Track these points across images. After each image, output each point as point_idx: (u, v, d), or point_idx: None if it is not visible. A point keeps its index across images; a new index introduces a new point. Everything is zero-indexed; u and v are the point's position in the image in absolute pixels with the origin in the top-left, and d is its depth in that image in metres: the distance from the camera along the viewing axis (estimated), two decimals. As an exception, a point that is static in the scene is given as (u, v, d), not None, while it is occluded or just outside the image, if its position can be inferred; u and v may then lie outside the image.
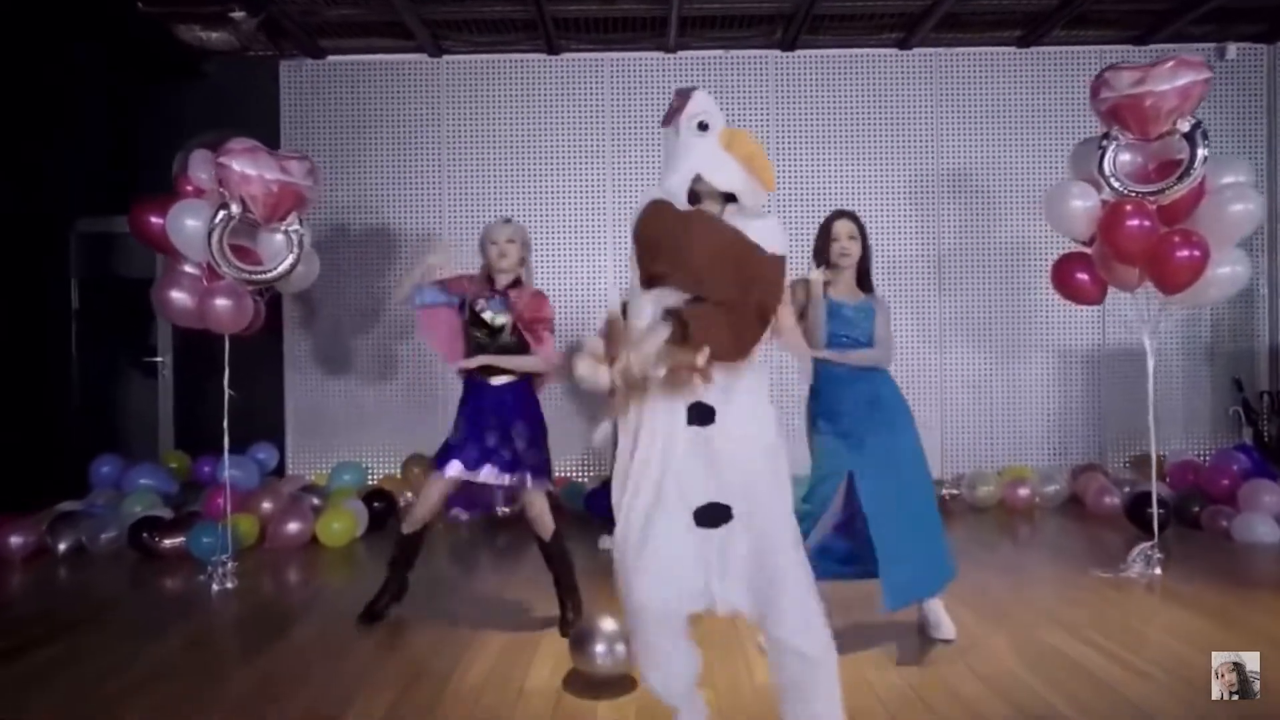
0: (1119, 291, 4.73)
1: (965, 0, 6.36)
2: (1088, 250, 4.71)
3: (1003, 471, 6.86)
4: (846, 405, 3.68)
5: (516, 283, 4.09)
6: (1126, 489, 6.28)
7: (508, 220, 4.16)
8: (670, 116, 2.47)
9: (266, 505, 5.82)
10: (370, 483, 6.86)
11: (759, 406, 2.43)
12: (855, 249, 3.79)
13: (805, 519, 3.52)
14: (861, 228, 3.82)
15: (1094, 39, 7.07)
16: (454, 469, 3.99)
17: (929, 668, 3.49)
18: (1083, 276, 4.74)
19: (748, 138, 2.46)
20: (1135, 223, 4.27)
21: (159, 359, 7.35)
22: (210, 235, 4.54)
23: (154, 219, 4.70)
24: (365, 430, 7.17)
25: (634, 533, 2.35)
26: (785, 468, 2.43)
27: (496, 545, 5.88)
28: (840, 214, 3.85)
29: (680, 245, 2.28)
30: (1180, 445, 7.09)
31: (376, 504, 6.27)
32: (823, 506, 3.63)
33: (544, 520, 4.06)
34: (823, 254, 3.82)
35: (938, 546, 3.71)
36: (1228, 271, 4.40)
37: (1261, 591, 4.48)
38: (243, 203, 4.53)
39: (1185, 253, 4.28)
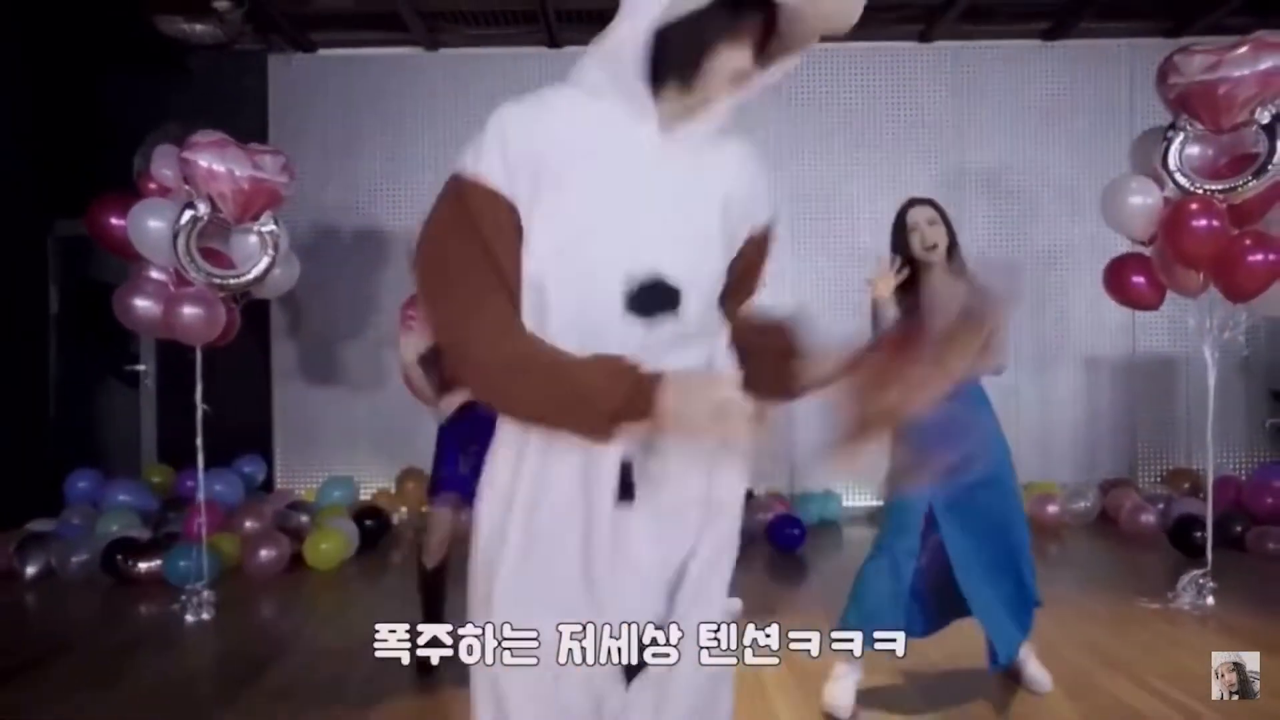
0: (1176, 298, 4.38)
1: (991, -11, 6.03)
2: (1146, 251, 4.36)
3: (1029, 487, 6.49)
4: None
5: None
6: (1160, 506, 5.94)
7: None
8: None
9: (249, 524, 5.46)
10: (363, 498, 6.51)
11: None
12: (940, 236, 3.27)
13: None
14: (942, 211, 3.35)
15: (1124, 31, 6.74)
16: (450, 500, 3.63)
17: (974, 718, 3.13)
18: (1139, 280, 4.38)
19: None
20: (1203, 223, 3.91)
21: (141, 367, 6.98)
22: (176, 237, 4.18)
23: (114, 220, 4.34)
24: (358, 442, 6.82)
25: None
26: None
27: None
28: (914, 201, 3.38)
29: None
30: (1215, 461, 6.72)
31: (369, 522, 5.91)
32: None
33: None
34: (904, 250, 3.31)
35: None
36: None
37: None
38: (211, 201, 4.18)
39: (1259, 256, 3.91)
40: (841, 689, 3.12)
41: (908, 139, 6.81)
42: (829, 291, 6.56)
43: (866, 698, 3.22)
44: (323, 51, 6.89)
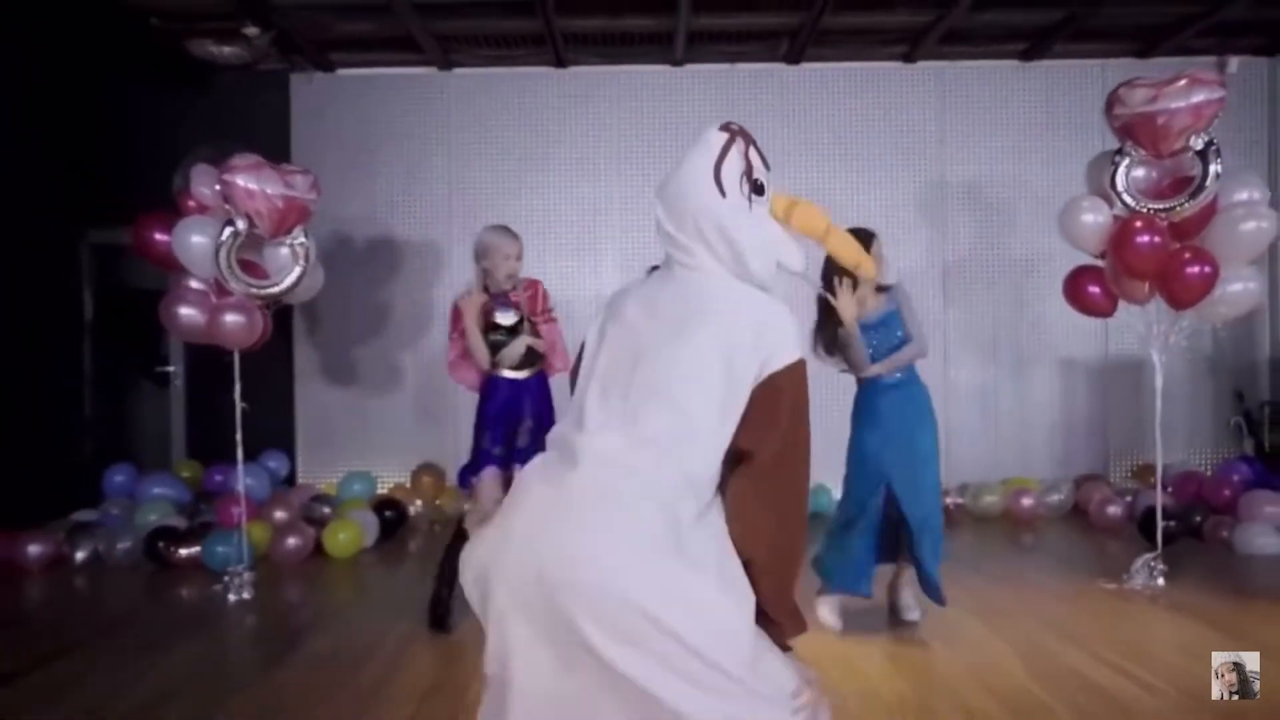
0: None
1: (969, 15, 6.41)
2: (1100, 264, 4.77)
3: (1007, 482, 6.91)
4: (885, 411, 4.04)
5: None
6: (1129, 499, 6.34)
7: (510, 229, 4.34)
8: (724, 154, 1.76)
9: (278, 515, 5.87)
10: (380, 491, 6.93)
11: None
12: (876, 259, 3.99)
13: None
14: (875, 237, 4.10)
15: (1097, 52, 7.13)
16: (489, 474, 4.15)
17: (937, 679, 3.55)
18: (1094, 290, 4.79)
19: (817, 211, 1.89)
20: (1146, 239, 4.33)
21: (171, 369, 7.38)
22: (219, 252, 4.59)
23: (158, 235, 4.75)
24: (374, 440, 7.23)
25: None
26: None
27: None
28: (862, 233, 4.01)
29: None
30: (1183, 456, 7.14)
31: (387, 513, 6.32)
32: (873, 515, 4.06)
33: None
34: (842, 273, 3.97)
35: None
36: (1239, 288, 4.46)
37: (1262, 602, 4.54)
38: (248, 218, 4.58)
39: (1196, 269, 4.34)
40: (828, 607, 4.11)
41: (894, 153, 7.22)
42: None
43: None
44: (342, 71, 7.31)
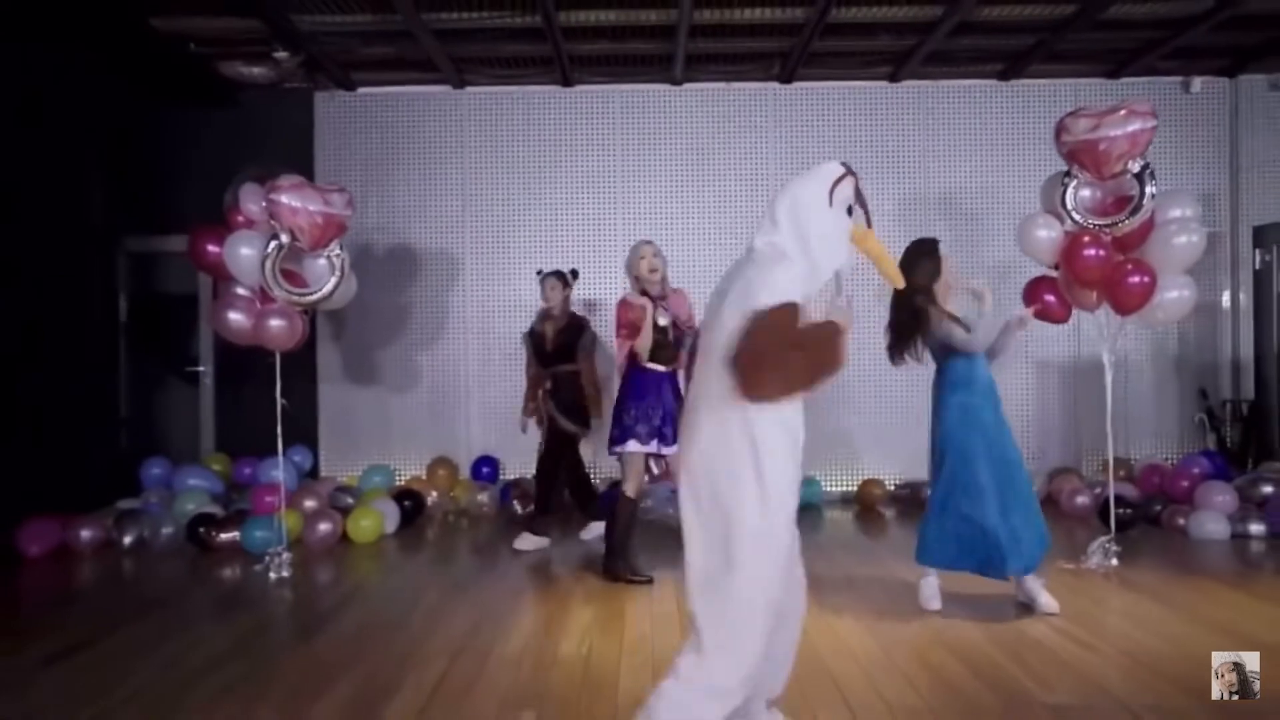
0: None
1: (949, 39, 6.89)
2: (1055, 274, 5.26)
3: (984, 474, 7.37)
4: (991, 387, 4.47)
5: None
6: (1097, 490, 6.81)
7: (649, 241, 5.25)
8: (836, 184, 2.61)
9: (308, 503, 6.35)
10: (398, 483, 7.41)
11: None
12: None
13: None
14: None
15: (1069, 73, 7.63)
16: (632, 446, 5.01)
17: (906, 640, 4.03)
18: (1050, 298, 5.27)
19: (876, 242, 2.71)
20: (1092, 252, 4.82)
21: (200, 369, 7.89)
22: (264, 263, 5.08)
23: (210, 247, 5.25)
24: (392, 435, 7.73)
25: (786, 534, 2.58)
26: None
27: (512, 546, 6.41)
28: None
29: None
30: (1151, 450, 7.64)
31: (406, 502, 6.80)
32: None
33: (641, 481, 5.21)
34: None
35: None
36: (1175, 295, 4.95)
37: (1206, 581, 5.02)
38: (291, 233, 5.08)
39: (1136, 279, 4.83)
40: (929, 586, 4.52)
41: (879, 166, 7.68)
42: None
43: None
44: (362, 90, 7.80)
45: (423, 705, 3.35)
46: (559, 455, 6.11)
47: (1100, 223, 4.79)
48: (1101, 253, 4.75)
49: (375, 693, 3.46)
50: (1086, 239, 4.77)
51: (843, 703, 3.31)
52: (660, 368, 5.10)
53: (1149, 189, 4.74)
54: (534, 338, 6.19)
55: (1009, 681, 3.52)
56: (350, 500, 6.75)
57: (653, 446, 5.02)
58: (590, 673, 3.66)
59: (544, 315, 6.18)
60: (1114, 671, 3.63)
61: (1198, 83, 7.66)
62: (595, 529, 6.11)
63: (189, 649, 4.06)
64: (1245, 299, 7.68)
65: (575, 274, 6.27)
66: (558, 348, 6.05)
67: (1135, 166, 4.71)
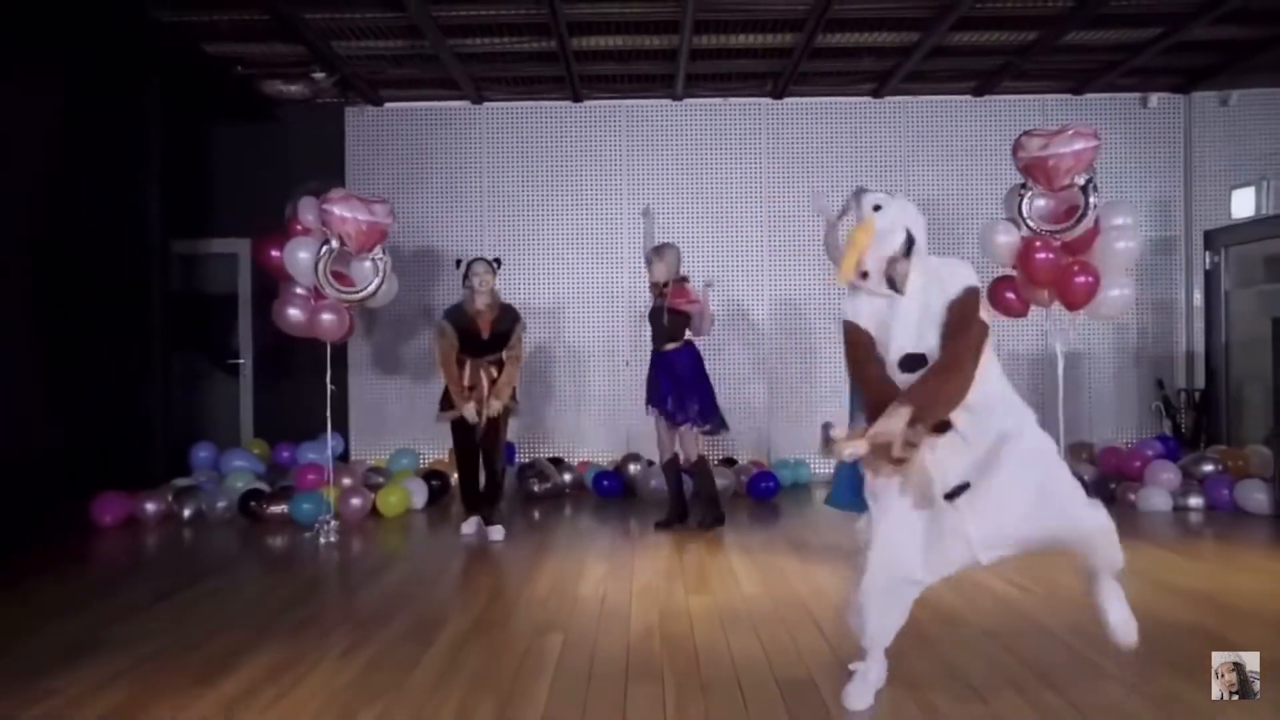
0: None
1: (927, 60, 7.58)
2: (1013, 274, 5.95)
3: (959, 457, 8.06)
4: None
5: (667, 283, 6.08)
6: (1061, 471, 7.49)
7: (657, 247, 6.08)
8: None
9: (345, 480, 7.04)
10: (423, 465, 8.10)
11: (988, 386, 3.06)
12: None
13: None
14: None
15: (1037, 89, 8.32)
16: (651, 413, 6.10)
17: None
18: (1010, 295, 5.97)
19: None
20: (1044, 255, 5.52)
21: (240, 361, 8.58)
22: (317, 265, 5.78)
23: (274, 252, 5.94)
24: (417, 422, 8.38)
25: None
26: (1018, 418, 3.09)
27: (533, 517, 7.11)
28: None
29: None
30: (1112, 435, 8.33)
31: (434, 482, 7.49)
32: None
33: (688, 450, 6.08)
34: None
35: None
36: (1117, 294, 5.65)
37: (1145, 545, 5.70)
38: (340, 239, 5.77)
39: (1082, 279, 5.53)
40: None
41: (864, 174, 8.32)
42: (803, 294, 8.21)
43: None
44: (389, 105, 8.50)
45: (469, 629, 4.06)
46: (491, 442, 6.15)
47: (1051, 229, 5.49)
48: (1052, 256, 5.45)
49: (429, 623, 4.16)
50: (1039, 244, 5.47)
51: (813, 623, 4.02)
52: (668, 348, 6.05)
53: (1093, 200, 5.44)
54: (462, 326, 5.99)
55: (951, 611, 4.23)
56: (381, 480, 7.43)
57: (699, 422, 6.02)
58: (606, 609, 4.37)
59: (468, 304, 6.03)
60: (1041, 606, 4.33)
61: (1154, 99, 8.36)
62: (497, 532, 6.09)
63: (265, 593, 4.78)
64: (1198, 297, 8.37)
65: (499, 262, 6.22)
66: (494, 336, 6.01)
67: (1081, 180, 5.40)
